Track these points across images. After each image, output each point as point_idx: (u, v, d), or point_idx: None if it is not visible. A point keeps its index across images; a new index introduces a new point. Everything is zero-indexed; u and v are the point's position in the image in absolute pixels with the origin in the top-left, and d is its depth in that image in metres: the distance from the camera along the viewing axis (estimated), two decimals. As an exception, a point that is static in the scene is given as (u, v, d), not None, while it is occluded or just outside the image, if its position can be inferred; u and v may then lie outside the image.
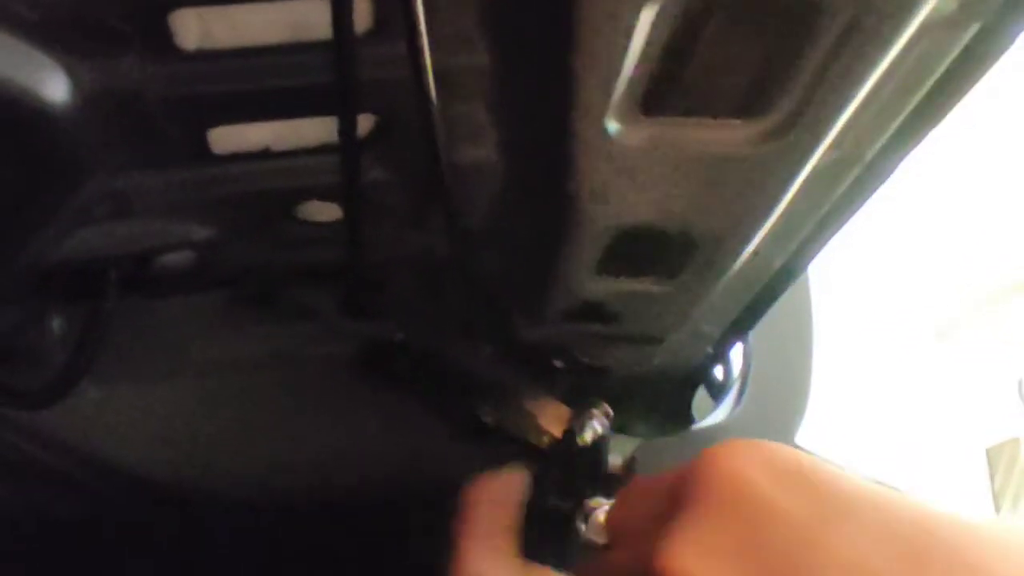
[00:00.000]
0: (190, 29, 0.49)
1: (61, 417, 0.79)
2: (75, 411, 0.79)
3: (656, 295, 0.65)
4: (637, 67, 0.45)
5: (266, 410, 0.87)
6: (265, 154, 0.59)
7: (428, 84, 0.50)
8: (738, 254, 0.60)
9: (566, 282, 0.63)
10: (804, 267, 0.69)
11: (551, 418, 0.76)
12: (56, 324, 0.74)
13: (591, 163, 0.51)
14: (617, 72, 0.45)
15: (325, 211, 0.66)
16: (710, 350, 0.79)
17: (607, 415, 0.73)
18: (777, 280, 0.68)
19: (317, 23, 0.50)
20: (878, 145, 0.54)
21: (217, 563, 0.95)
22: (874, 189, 0.57)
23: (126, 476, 0.89)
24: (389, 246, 0.68)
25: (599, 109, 0.47)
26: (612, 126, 0.48)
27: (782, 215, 0.57)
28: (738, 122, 0.49)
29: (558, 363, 0.77)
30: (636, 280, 0.63)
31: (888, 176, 0.56)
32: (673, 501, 0.42)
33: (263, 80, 0.52)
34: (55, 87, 0.49)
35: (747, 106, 0.49)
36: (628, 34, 0.43)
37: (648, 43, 0.44)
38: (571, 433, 0.73)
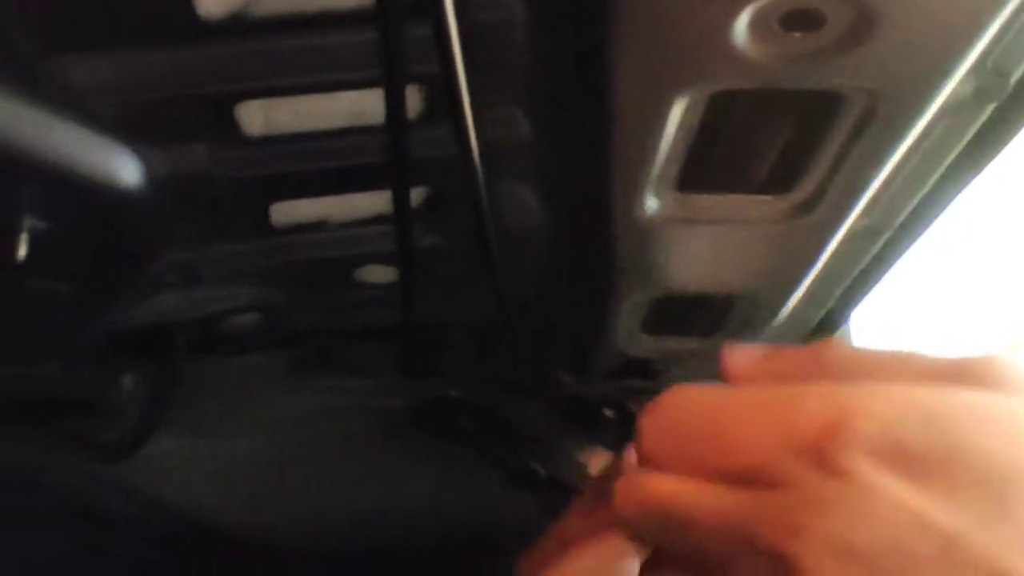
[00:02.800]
0: (255, 118, 0.53)
1: (135, 468, 0.83)
2: (148, 463, 0.84)
3: (698, 351, 0.67)
4: (672, 148, 0.48)
5: (326, 464, 0.90)
6: (322, 225, 0.63)
7: (475, 163, 0.53)
8: (774, 314, 0.62)
9: (612, 342, 0.66)
10: (844, 320, 0.71)
11: (600, 467, 0.78)
12: (129, 381, 0.78)
13: (630, 238, 0.53)
14: (653, 154, 0.48)
15: (382, 274, 0.70)
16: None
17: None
18: (816, 334, 0.70)
19: (372, 110, 0.53)
20: (905, 214, 0.56)
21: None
22: (904, 251, 0.59)
23: (194, 524, 0.93)
24: (441, 308, 0.71)
25: (637, 187, 0.50)
26: (650, 203, 0.51)
27: (817, 276, 0.59)
28: (768, 198, 0.52)
29: (608, 413, 0.80)
30: (680, 338, 0.66)
31: (918, 238, 0.58)
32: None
33: (322, 161, 0.56)
34: (130, 174, 0.53)
35: (775, 183, 0.51)
36: (663, 120, 0.46)
37: (680, 127, 0.46)
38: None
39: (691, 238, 0.54)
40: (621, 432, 0.80)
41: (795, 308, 0.63)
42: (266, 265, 0.65)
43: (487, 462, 0.85)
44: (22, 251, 0.54)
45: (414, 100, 0.53)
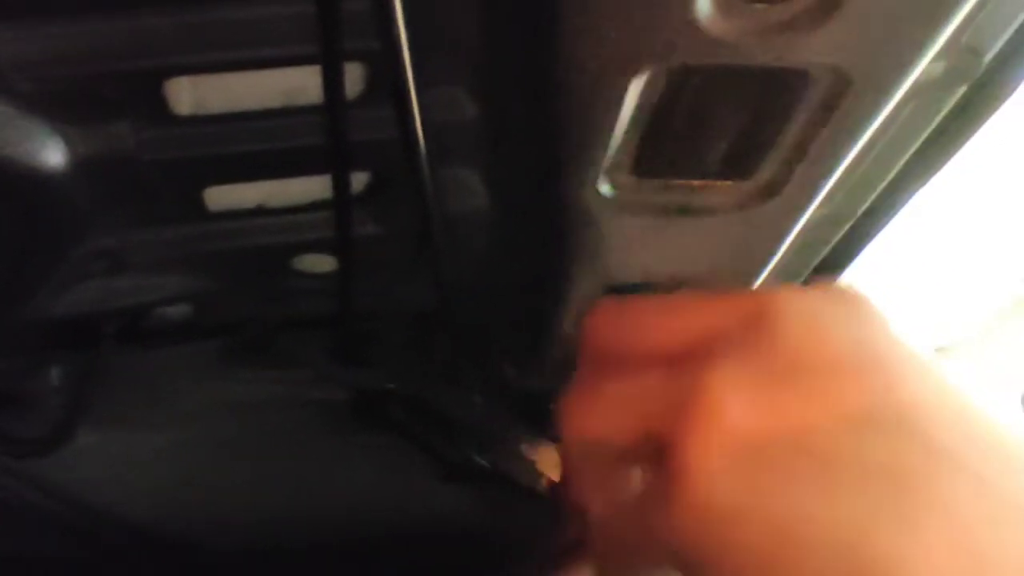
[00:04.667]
0: (184, 96, 0.50)
1: (56, 463, 0.80)
2: (66, 457, 0.80)
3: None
4: (627, 129, 0.46)
5: (253, 458, 0.87)
6: (259, 211, 0.60)
7: (418, 146, 0.51)
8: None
9: (560, 333, 0.64)
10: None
11: (547, 461, 0.76)
12: (55, 373, 0.74)
13: (581, 224, 0.51)
14: (607, 135, 0.46)
15: (320, 262, 0.67)
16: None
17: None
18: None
19: (310, 88, 0.50)
20: (868, 202, 0.55)
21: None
22: (869, 240, 0.58)
23: (113, 521, 0.89)
24: (381, 297, 0.68)
25: (589, 171, 0.48)
26: (603, 187, 0.49)
27: (776, 266, 0.58)
28: (727, 183, 0.50)
29: (553, 407, 0.78)
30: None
31: (883, 227, 0.57)
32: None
33: (257, 142, 0.53)
34: (50, 153, 0.50)
35: (735, 167, 0.50)
36: (619, 99, 0.44)
37: (637, 107, 0.44)
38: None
39: (645, 225, 0.52)
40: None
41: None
42: (199, 252, 0.62)
43: (424, 455, 0.83)
44: (-67, 237, 0.50)
45: (354, 78, 0.50)
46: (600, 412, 0.39)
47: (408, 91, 0.47)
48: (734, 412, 0.33)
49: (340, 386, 0.78)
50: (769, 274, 0.57)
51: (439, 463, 0.80)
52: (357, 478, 0.88)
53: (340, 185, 0.55)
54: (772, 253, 0.56)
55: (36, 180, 0.50)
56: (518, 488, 0.75)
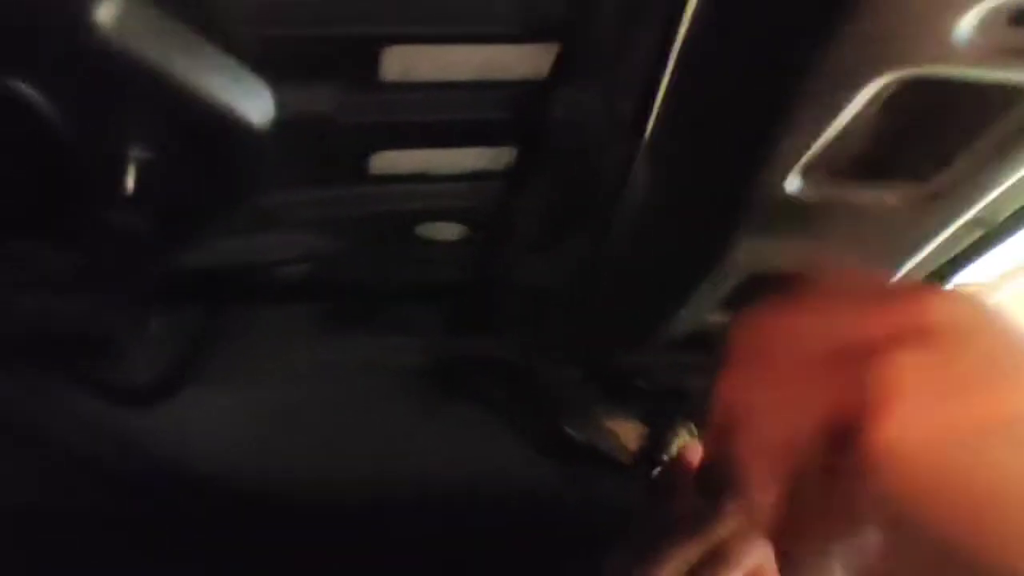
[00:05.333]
0: (395, 64, 0.51)
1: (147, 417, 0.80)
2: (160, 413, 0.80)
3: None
4: (840, 130, 0.48)
5: (346, 420, 0.88)
6: (416, 177, 0.61)
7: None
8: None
9: (686, 316, 0.66)
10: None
11: (631, 436, 0.79)
12: (156, 325, 0.74)
13: (761, 215, 0.53)
14: (819, 137, 0.48)
15: (446, 231, 0.68)
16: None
17: (692, 434, 0.76)
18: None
19: (509, 64, 0.52)
20: (1012, 209, 0.57)
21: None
22: (997, 245, 0.61)
23: (197, 483, 0.89)
24: (507, 269, 0.70)
25: (788, 166, 0.50)
26: (794, 183, 0.51)
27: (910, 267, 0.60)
28: (901, 185, 0.52)
29: (641, 384, 0.80)
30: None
31: (1015, 234, 0.60)
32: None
33: (448, 112, 0.54)
34: (258, 107, 0.50)
35: (919, 170, 0.52)
36: (843, 106, 0.46)
37: (860, 110, 0.46)
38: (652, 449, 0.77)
39: (816, 220, 0.54)
40: (654, 404, 0.80)
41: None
42: (343, 214, 0.63)
43: (511, 428, 0.85)
44: (130, 183, 0.51)
45: (547, 58, 0.52)
46: (772, 412, 0.42)
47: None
48: (921, 400, 0.38)
49: (447, 353, 0.79)
50: (904, 271, 0.60)
51: (529, 436, 0.82)
52: (441, 447, 0.89)
53: (521, 158, 0.56)
54: (916, 252, 0.58)
55: (240, 131, 0.50)
56: (606, 462, 0.77)
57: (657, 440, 0.77)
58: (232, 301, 0.71)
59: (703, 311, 0.66)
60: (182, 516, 0.88)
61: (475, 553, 0.91)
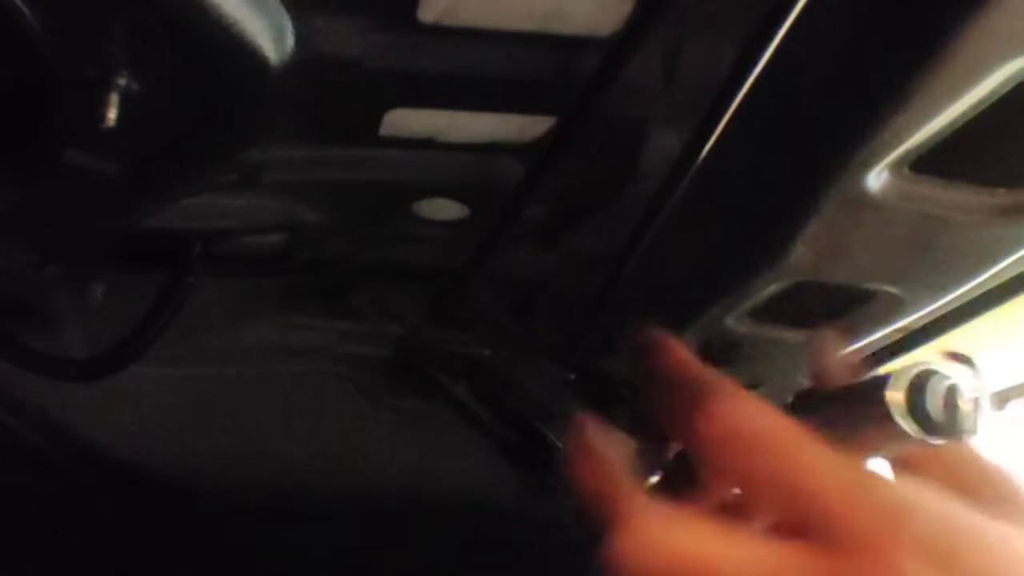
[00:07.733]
0: (438, 1, 0.43)
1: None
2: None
3: (792, 343, 0.62)
4: (937, 125, 0.42)
5: (275, 409, 0.80)
6: (425, 143, 0.54)
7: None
8: (902, 317, 0.58)
9: (707, 321, 0.60)
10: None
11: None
12: (98, 289, 0.65)
13: (832, 212, 0.47)
14: (921, 128, 0.42)
15: (445, 209, 0.61)
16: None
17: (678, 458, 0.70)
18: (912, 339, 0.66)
19: (572, 15, 0.45)
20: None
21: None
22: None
23: (103, 458, 0.81)
24: (500, 258, 0.63)
25: (878, 159, 0.44)
26: (874, 180, 0.45)
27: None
28: (994, 191, 0.47)
29: (625, 393, 0.74)
30: (785, 328, 0.60)
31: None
32: None
33: (485, 67, 0.47)
34: (277, 42, 0.43)
35: (1003, 175, 0.47)
36: (949, 102, 0.41)
37: (967, 104, 0.41)
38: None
39: (891, 223, 0.48)
40: (640, 417, 0.74)
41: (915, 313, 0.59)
42: (341, 179, 0.56)
43: (464, 428, 0.78)
44: (110, 115, 0.42)
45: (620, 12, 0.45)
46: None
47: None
48: None
49: (418, 346, 0.72)
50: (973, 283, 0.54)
51: (490, 439, 0.75)
52: (381, 443, 0.82)
53: (557, 132, 0.50)
54: (981, 271, 0.53)
55: (251, 67, 0.43)
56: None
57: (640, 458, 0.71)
58: (191, 271, 0.62)
59: (729, 318, 0.60)
60: (112, 496, 0.79)
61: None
